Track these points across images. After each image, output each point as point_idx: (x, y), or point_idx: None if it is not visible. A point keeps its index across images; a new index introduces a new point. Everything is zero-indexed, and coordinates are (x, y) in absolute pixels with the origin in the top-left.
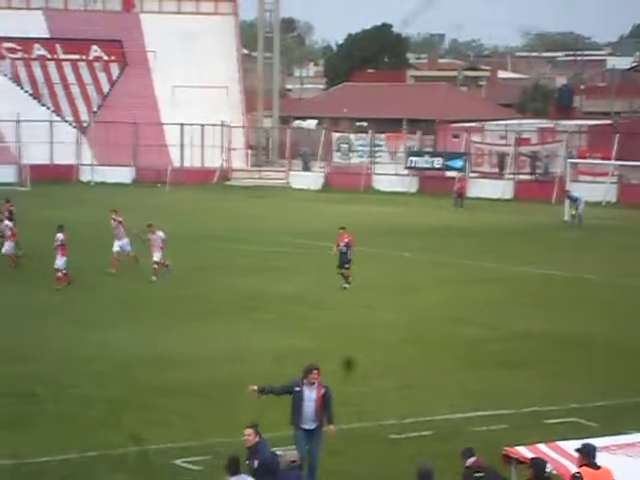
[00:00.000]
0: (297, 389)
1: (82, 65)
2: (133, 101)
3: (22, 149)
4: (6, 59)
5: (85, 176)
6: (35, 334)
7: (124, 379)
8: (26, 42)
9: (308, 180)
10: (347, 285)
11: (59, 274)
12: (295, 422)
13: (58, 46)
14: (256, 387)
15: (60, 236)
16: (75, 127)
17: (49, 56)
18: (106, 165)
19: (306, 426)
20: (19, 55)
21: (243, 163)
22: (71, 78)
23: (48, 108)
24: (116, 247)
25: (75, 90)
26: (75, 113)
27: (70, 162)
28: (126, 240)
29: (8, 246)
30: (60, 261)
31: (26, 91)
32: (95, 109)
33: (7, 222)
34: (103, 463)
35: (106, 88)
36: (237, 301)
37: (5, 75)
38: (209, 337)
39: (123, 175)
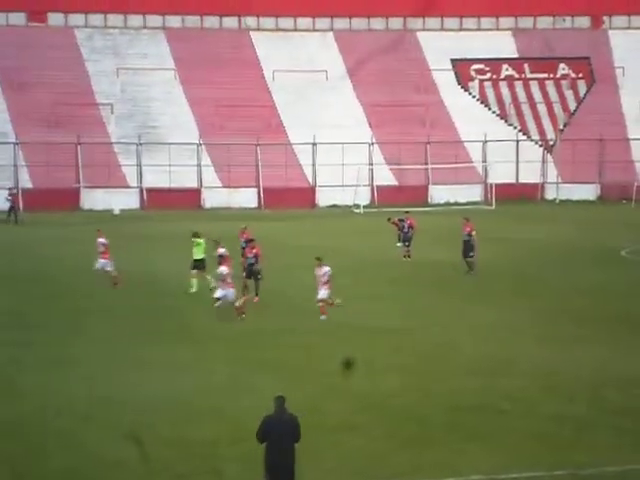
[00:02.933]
0: None
1: (549, 83)
2: (599, 118)
3: (488, 169)
4: (475, 80)
5: (550, 194)
6: (514, 351)
7: (592, 398)
8: (495, 63)
9: None
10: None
11: None
12: None
13: (526, 65)
14: None
15: (326, 269)
16: (541, 145)
17: (517, 76)
18: (570, 182)
19: None
20: (487, 76)
21: None
22: (538, 97)
23: (514, 127)
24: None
25: (541, 109)
26: (541, 132)
27: (535, 180)
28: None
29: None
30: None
31: (493, 111)
32: (561, 127)
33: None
34: None
35: (572, 106)
36: None
37: (473, 96)
38: None
39: (588, 192)
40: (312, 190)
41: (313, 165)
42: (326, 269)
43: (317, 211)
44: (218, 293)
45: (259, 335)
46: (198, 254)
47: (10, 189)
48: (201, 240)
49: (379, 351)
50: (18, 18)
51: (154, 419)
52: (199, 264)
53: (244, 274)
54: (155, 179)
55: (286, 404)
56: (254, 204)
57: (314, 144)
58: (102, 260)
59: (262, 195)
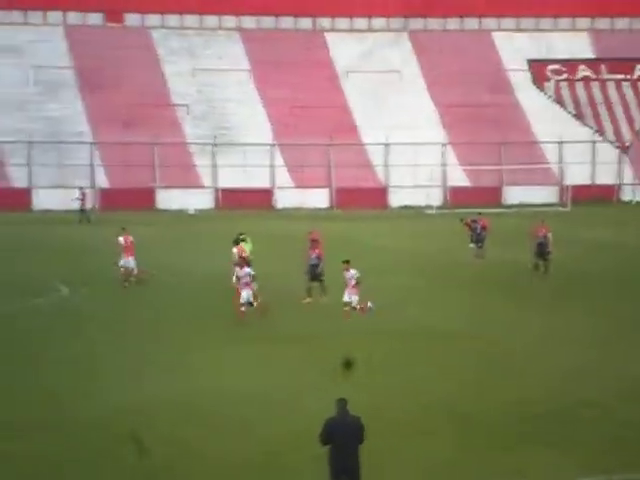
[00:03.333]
0: None
1: (626, 84)
2: None
3: (564, 170)
4: (551, 81)
5: (626, 195)
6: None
7: None
8: (571, 63)
9: None
10: None
11: None
12: None
13: (603, 66)
14: None
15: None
16: (617, 147)
17: (593, 76)
18: None
19: None
20: (563, 77)
21: None
22: (614, 98)
23: (590, 128)
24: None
25: (618, 110)
26: (617, 132)
27: (611, 182)
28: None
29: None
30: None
31: (569, 112)
32: (638, 128)
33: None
34: None
35: None
36: None
37: (549, 97)
38: None
39: None
40: (384, 191)
41: (385, 166)
42: (352, 272)
43: (389, 212)
44: (244, 296)
45: (330, 336)
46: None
47: (81, 189)
48: (247, 240)
49: (451, 356)
50: (95, 18)
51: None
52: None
53: (307, 276)
54: (229, 179)
55: (349, 407)
56: (326, 204)
57: (387, 144)
58: (127, 258)
59: (334, 195)
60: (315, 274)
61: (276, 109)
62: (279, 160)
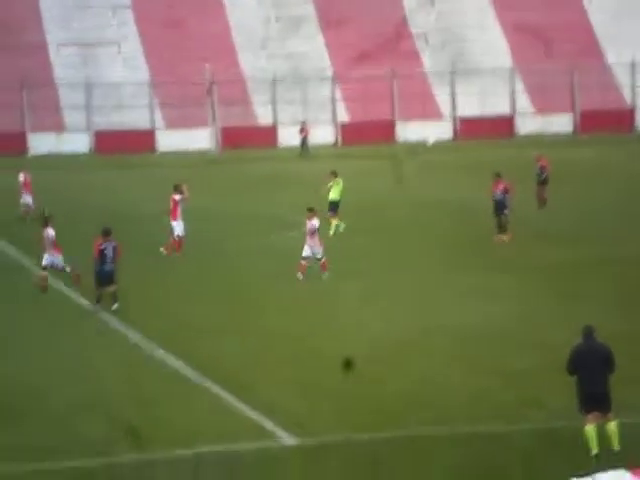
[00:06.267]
0: None
1: None
2: None
3: None
4: None
5: None
6: None
7: None
8: None
9: None
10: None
11: None
12: None
13: None
14: None
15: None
16: None
17: None
18: None
19: None
20: None
21: None
22: None
23: None
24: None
25: None
26: None
27: None
28: None
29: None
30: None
31: None
32: None
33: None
34: None
35: None
36: None
37: None
38: None
39: None
40: (631, 112)
41: (632, 87)
42: (314, 222)
43: (636, 135)
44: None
45: (572, 266)
46: (335, 194)
47: (302, 123)
48: (340, 180)
49: None
50: None
51: (476, 348)
52: (334, 206)
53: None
54: (468, 108)
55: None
56: (569, 129)
57: (633, 64)
58: (174, 221)
59: (578, 120)
60: (496, 208)
61: (516, 34)
62: (519, 85)
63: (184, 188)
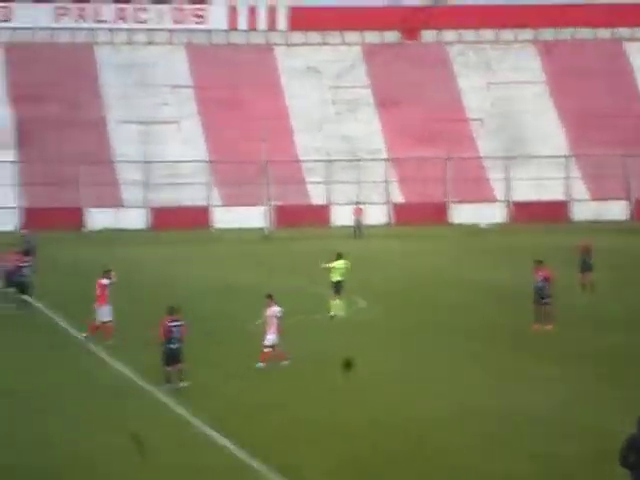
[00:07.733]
0: None
1: None
2: None
3: None
4: None
5: None
6: None
7: None
8: None
9: None
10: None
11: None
12: None
13: None
14: None
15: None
16: None
17: None
18: None
19: None
20: None
21: None
22: None
23: None
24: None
25: None
26: None
27: None
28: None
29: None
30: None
31: None
32: None
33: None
34: None
35: None
36: None
37: None
38: None
39: None
40: None
41: None
42: (276, 309)
43: None
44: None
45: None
46: (336, 276)
47: (356, 203)
48: (344, 262)
49: None
50: (392, 36)
51: (519, 431)
52: (338, 286)
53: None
54: (523, 192)
55: None
56: (624, 217)
57: None
58: (99, 306)
59: (633, 207)
60: (536, 296)
61: (572, 120)
62: (574, 172)
63: (112, 274)
